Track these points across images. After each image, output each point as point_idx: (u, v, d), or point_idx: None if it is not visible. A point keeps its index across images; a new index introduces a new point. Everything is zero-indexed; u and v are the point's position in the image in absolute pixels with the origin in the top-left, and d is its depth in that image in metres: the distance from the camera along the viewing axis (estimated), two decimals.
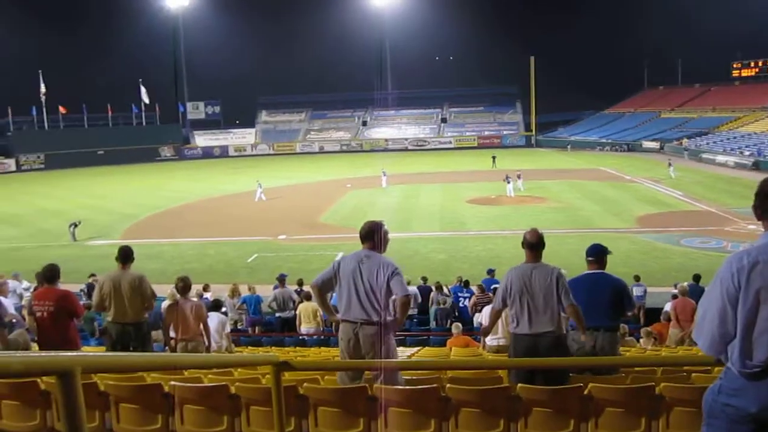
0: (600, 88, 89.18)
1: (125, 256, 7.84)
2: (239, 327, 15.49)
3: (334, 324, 5.78)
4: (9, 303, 9.93)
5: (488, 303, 11.36)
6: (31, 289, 16.00)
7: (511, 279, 5.49)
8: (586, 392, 4.44)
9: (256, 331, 15.22)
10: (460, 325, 11.83)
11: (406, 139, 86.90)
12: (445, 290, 16.28)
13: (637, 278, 16.66)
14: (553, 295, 5.30)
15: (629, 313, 6.80)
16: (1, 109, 76.12)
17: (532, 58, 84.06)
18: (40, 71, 74.43)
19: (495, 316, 6.05)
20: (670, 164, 46.50)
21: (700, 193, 38.14)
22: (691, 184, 42.36)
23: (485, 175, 49.58)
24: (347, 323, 5.36)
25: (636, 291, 16.11)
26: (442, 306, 15.24)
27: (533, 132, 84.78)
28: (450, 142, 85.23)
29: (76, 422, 1.67)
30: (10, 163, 73.79)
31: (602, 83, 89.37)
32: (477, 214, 33.48)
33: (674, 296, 13.00)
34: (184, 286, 8.33)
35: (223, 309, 14.95)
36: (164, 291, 16.56)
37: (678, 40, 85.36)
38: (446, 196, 39.49)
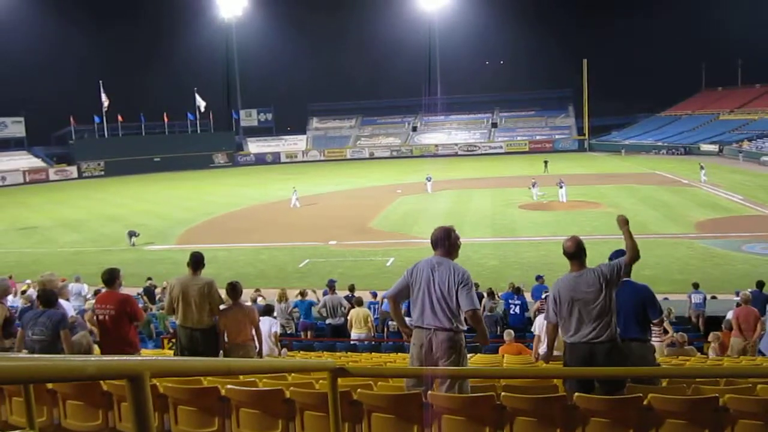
0: (655, 90, 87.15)
1: (196, 262, 7.97)
2: (288, 332, 15.64)
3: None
4: (69, 306, 10.28)
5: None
6: (92, 293, 16.55)
7: (559, 290, 5.41)
8: (645, 402, 4.34)
9: (308, 335, 15.34)
10: (512, 332, 11.69)
11: (457, 144, 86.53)
12: (497, 297, 16.13)
13: (696, 285, 16.16)
14: (604, 300, 5.20)
15: (655, 321, 6.49)
16: (64, 119, 79.16)
17: (585, 61, 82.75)
18: (100, 81, 76.99)
19: (553, 331, 5.81)
20: (702, 167, 45.17)
21: (761, 198, 36.83)
22: (752, 188, 40.98)
23: (538, 180, 48.95)
24: (421, 329, 5.32)
25: (695, 298, 15.66)
26: (491, 313, 15.09)
27: (586, 136, 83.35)
28: (501, 147, 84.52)
29: (145, 424, 1.73)
30: (73, 170, 76.47)
31: (658, 85, 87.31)
32: (529, 220, 33.09)
33: (737, 304, 12.57)
34: (234, 290, 8.44)
35: (274, 314, 15.15)
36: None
37: (737, 39, 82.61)
38: (497, 201, 39.16)
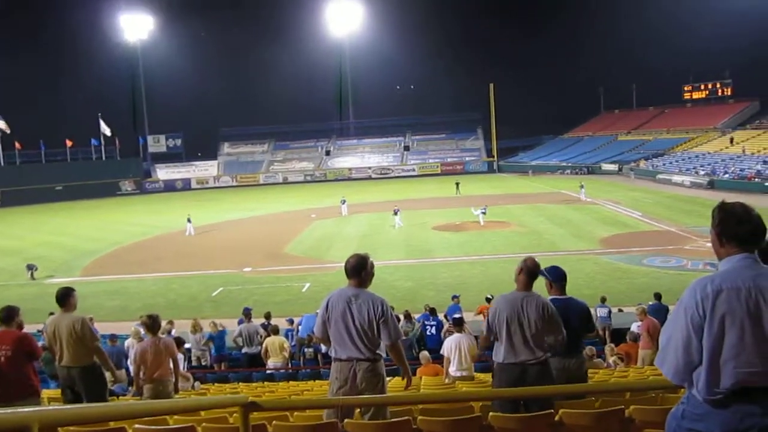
0: (558, 113, 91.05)
1: (60, 297, 7.67)
2: (203, 363, 15.19)
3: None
4: None
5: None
6: None
7: (499, 307, 5.42)
8: (557, 418, 4.44)
9: (222, 367, 14.94)
10: (427, 353, 11.79)
11: (370, 168, 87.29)
12: (413, 319, 16.23)
13: (603, 300, 16.85)
14: (544, 326, 5.28)
15: (591, 334, 6.71)
16: None
17: (491, 85, 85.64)
18: None
19: (485, 342, 5.83)
20: (581, 186, 48.69)
21: (659, 213, 38.99)
22: (650, 205, 43.29)
23: (450, 202, 49.96)
24: (341, 362, 5.23)
25: (600, 312, 16.30)
26: (406, 337, 15.16)
27: (495, 158, 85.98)
28: (413, 170, 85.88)
29: None
30: None
31: (560, 108, 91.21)
32: (442, 241, 33.64)
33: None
34: (153, 323, 8.15)
35: (187, 345, 14.68)
36: (126, 328, 16.24)
37: (631, 65, 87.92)
38: (411, 223, 39.63)
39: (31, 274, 29.24)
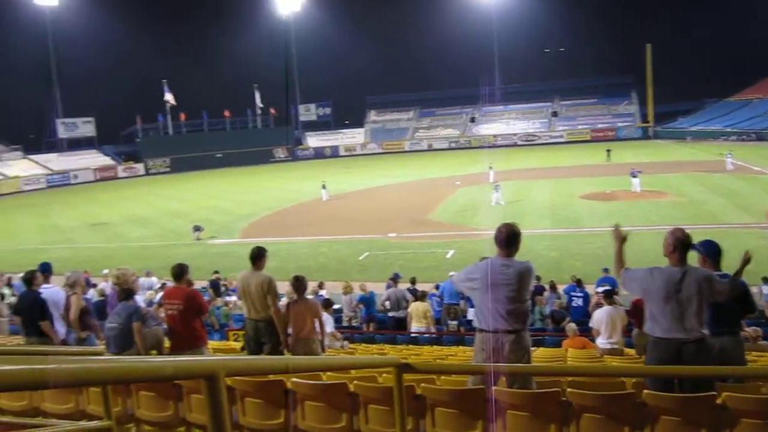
0: (724, 74, 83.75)
1: (254, 256, 8.20)
2: (353, 324, 15.83)
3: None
4: (140, 299, 10.67)
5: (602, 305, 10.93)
6: (159, 285, 17.11)
7: (656, 280, 5.12)
8: (719, 401, 4.20)
9: (370, 328, 15.48)
10: (574, 326, 11.51)
11: (516, 135, 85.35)
12: (558, 290, 15.90)
13: (766, 279, 15.54)
14: (701, 299, 4.97)
15: (752, 315, 6.21)
16: (131, 117, 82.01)
17: (648, 46, 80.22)
18: (164, 81, 79.25)
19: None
20: (728, 154, 44.32)
21: None
22: None
23: (600, 170, 47.92)
24: (487, 333, 5.21)
25: (766, 290, 15.08)
26: (555, 307, 14.89)
27: (650, 123, 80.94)
28: (561, 137, 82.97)
29: (221, 420, 1.79)
30: (140, 167, 79.11)
31: (726, 69, 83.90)
32: (591, 210, 32.40)
33: None
34: (299, 284, 8.57)
35: (337, 306, 15.35)
36: (281, 288, 17.23)
37: None
38: (558, 192, 38.49)
39: (197, 236, 31.68)
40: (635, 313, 9.02)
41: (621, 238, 5.52)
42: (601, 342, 9.42)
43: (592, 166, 51.79)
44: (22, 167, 73.24)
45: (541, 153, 68.89)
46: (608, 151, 56.04)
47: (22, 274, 9.49)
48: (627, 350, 9.83)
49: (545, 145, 79.74)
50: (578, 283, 15.57)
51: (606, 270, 16.76)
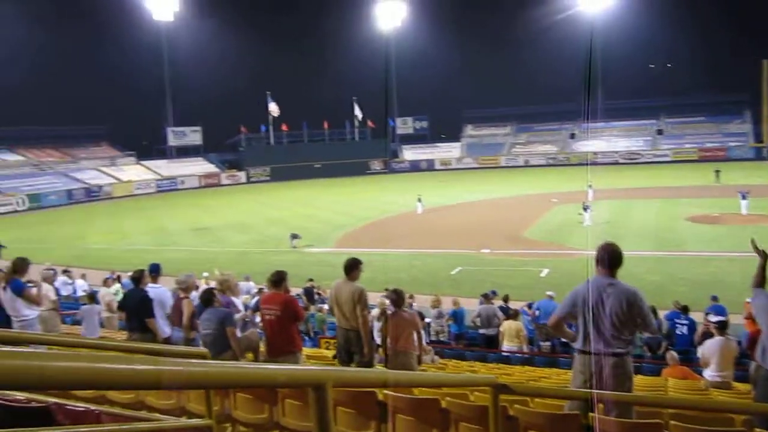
0: None
1: (348, 267, 8.37)
2: (440, 338, 15.75)
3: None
4: (240, 302, 11.06)
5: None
6: (256, 291, 17.68)
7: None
8: None
9: (460, 344, 15.37)
10: (675, 354, 10.99)
11: (617, 152, 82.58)
12: (659, 315, 15.20)
13: None
14: None
15: None
16: (235, 127, 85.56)
17: (765, 62, 75.86)
18: (267, 92, 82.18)
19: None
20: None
21: None
22: None
23: (707, 191, 45.65)
24: (588, 356, 5.09)
25: None
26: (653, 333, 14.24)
27: (765, 143, 76.35)
28: (667, 155, 79.55)
29: (326, 427, 1.85)
30: (242, 175, 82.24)
31: None
32: (697, 233, 30.90)
33: None
34: (397, 298, 8.61)
35: (427, 319, 15.34)
36: (372, 299, 17.39)
37: None
38: (662, 213, 36.94)
39: (294, 243, 32.52)
40: (751, 345, 8.51)
41: (763, 254, 5.24)
42: (710, 375, 8.95)
43: (699, 187, 49.41)
44: (134, 172, 77.85)
45: (645, 172, 66.34)
46: (717, 171, 53.34)
47: (130, 273, 10.03)
48: (736, 384, 9.28)
49: (649, 164, 76.76)
50: (683, 310, 14.77)
51: (715, 298, 15.87)
